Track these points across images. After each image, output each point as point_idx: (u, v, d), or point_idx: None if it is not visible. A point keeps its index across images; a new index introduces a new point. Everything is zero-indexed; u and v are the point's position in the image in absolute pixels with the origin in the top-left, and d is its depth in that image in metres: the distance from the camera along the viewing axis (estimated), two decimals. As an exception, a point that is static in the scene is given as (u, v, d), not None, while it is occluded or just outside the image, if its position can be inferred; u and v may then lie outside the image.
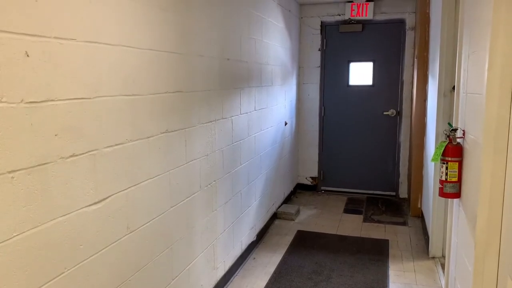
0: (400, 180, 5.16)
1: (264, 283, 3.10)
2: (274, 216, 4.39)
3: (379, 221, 4.38)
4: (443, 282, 2.96)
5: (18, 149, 1.30)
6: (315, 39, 5.25)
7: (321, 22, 5.21)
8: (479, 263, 1.75)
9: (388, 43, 5.03)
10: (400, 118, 5.08)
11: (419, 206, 4.35)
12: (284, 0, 4.43)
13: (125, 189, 1.83)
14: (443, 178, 2.17)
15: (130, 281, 1.89)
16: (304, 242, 3.83)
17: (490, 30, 1.64)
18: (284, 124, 4.64)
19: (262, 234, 3.94)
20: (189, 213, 2.45)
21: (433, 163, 3.35)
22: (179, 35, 2.24)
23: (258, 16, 3.55)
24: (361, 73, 5.19)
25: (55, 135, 1.44)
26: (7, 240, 1.28)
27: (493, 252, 1.71)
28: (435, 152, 2.19)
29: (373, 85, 5.14)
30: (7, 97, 1.26)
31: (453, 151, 2.14)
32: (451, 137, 2.17)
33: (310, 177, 5.50)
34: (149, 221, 2.04)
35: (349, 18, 5.05)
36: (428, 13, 3.96)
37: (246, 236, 3.50)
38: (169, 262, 2.25)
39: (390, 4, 4.94)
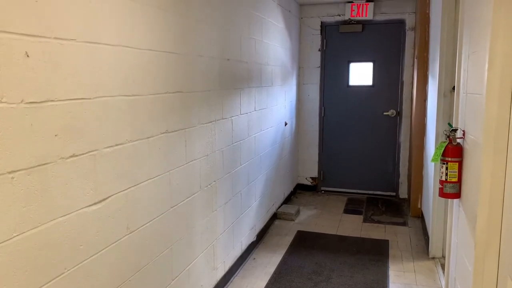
0: (400, 180, 5.16)
1: (264, 283, 3.09)
2: (274, 217, 4.39)
3: (379, 222, 4.37)
4: (443, 283, 2.96)
5: (18, 149, 1.30)
6: (315, 40, 5.25)
7: (321, 22, 5.21)
8: (479, 263, 1.75)
9: (388, 44, 5.03)
10: (400, 119, 5.08)
11: (419, 206, 4.35)
12: (284, 0, 4.43)
13: (125, 190, 1.83)
14: (443, 179, 2.17)
15: (130, 281, 1.89)
16: (304, 242, 3.83)
17: (490, 30, 1.64)
18: (284, 124, 4.64)
19: (262, 235, 3.94)
20: (189, 214, 2.45)
21: (433, 163, 3.35)
22: (179, 35, 2.24)
23: (258, 16, 3.55)
24: (361, 74, 5.19)
25: (55, 135, 1.44)
26: (7, 240, 1.28)
27: (493, 252, 1.71)
28: (435, 153, 2.19)
29: (373, 86, 5.14)
30: (7, 98, 1.26)
31: (453, 151, 2.14)
32: (451, 137, 2.17)
33: (310, 178, 5.50)
34: (149, 222, 2.04)
35: (349, 19, 5.05)
36: (428, 14, 3.96)
37: (246, 237, 3.50)
38: (169, 263, 2.25)
39: (390, 4, 4.94)
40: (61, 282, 1.49)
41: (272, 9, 3.98)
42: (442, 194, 2.20)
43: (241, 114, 3.23)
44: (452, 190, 2.16)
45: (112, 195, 1.75)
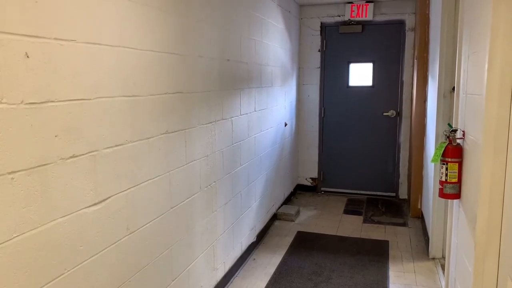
0: (400, 181, 5.16)
1: (264, 284, 3.09)
2: (274, 217, 4.39)
3: (379, 222, 4.37)
4: (443, 283, 2.96)
5: (18, 150, 1.30)
6: (315, 40, 5.25)
7: (321, 23, 5.21)
8: (479, 263, 1.75)
9: (388, 44, 5.03)
10: (400, 119, 5.08)
11: (419, 207, 4.35)
12: (284, 1, 4.44)
13: (125, 190, 1.83)
14: (443, 179, 2.17)
15: (130, 282, 1.89)
16: (304, 243, 3.83)
17: (490, 31, 1.64)
18: (284, 125, 4.65)
19: (262, 235, 3.94)
20: (189, 214, 2.45)
21: (433, 164, 3.35)
22: (179, 36, 2.24)
23: (258, 17, 3.55)
24: (361, 74, 5.19)
25: (55, 136, 1.44)
26: (7, 241, 1.28)
27: (493, 252, 1.71)
28: (435, 153, 2.19)
29: (373, 86, 5.14)
30: (7, 98, 1.26)
31: (453, 152, 2.14)
32: (451, 138, 2.17)
33: (310, 178, 5.50)
34: (149, 222, 2.04)
35: (349, 19, 5.05)
36: (428, 14, 3.97)
37: (246, 237, 3.50)
38: (169, 263, 2.25)
39: (390, 5, 4.94)
40: (61, 283, 1.49)
41: (272, 10, 3.98)
42: (442, 194, 2.20)
43: (241, 115, 3.23)
44: (452, 190, 2.16)
45: (112, 195, 1.75)
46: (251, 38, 3.39)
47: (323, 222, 4.39)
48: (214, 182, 2.79)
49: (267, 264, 3.42)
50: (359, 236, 3.99)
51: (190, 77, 2.38)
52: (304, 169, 5.50)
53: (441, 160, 2.17)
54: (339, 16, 5.12)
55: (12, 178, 1.28)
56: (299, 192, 5.47)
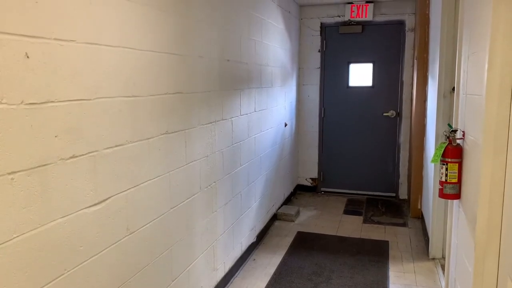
0: (400, 181, 5.16)
1: (264, 284, 3.09)
2: (274, 217, 4.39)
3: (379, 222, 4.37)
4: (443, 283, 2.96)
5: (18, 150, 1.30)
6: (315, 40, 5.25)
7: (321, 23, 5.21)
8: (479, 264, 1.75)
9: (388, 44, 5.03)
10: (400, 119, 5.08)
11: (419, 207, 4.35)
12: (284, 1, 4.44)
13: (125, 191, 1.83)
14: (443, 179, 2.17)
15: (130, 282, 1.89)
16: (304, 243, 3.83)
17: (490, 31, 1.64)
18: (284, 125, 4.65)
19: (262, 235, 3.94)
20: (189, 214, 2.45)
21: (433, 164, 3.35)
22: (179, 36, 2.24)
23: (258, 17, 3.55)
24: (361, 74, 5.19)
25: (55, 136, 1.44)
26: (7, 241, 1.28)
27: (493, 253, 1.71)
28: (435, 153, 2.19)
29: (373, 86, 5.14)
30: (7, 99, 1.26)
31: (453, 152, 2.14)
32: (451, 138, 2.17)
33: (310, 178, 5.50)
34: (149, 223, 2.04)
35: (349, 20, 5.06)
36: (428, 14, 3.97)
37: (246, 237, 3.50)
38: (169, 264, 2.25)
39: (389, 5, 4.94)
40: (61, 283, 1.49)
41: (272, 10, 3.98)
42: (442, 195, 2.20)
43: (241, 115, 3.23)
44: (452, 191, 2.16)
45: (112, 196, 1.75)
46: (251, 38, 3.39)
47: (323, 222, 4.39)
48: (214, 182, 2.79)
49: (267, 265, 3.41)
50: (359, 237, 3.99)
51: (190, 77, 2.39)
52: (304, 169, 5.50)
53: (441, 161, 2.17)
54: (339, 16, 5.12)
55: (12, 179, 1.28)
56: (299, 193, 5.47)
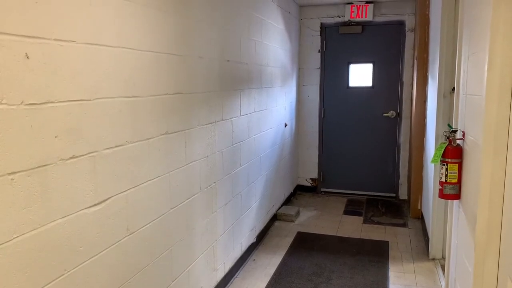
0: (400, 181, 5.16)
1: (264, 284, 3.09)
2: (274, 218, 4.39)
3: (379, 223, 4.37)
4: (443, 284, 2.96)
5: (18, 151, 1.30)
6: (315, 41, 5.25)
7: (321, 23, 5.21)
8: (479, 264, 1.75)
9: (387, 45, 5.03)
10: (400, 120, 5.08)
11: (419, 207, 4.34)
12: (284, 1, 4.44)
13: (125, 191, 1.83)
14: (443, 180, 2.17)
15: (130, 282, 1.89)
16: (304, 243, 3.83)
17: (490, 31, 1.64)
18: (284, 125, 4.65)
19: (262, 236, 3.94)
20: (189, 215, 2.45)
21: (433, 164, 3.35)
22: (179, 36, 2.24)
23: (258, 18, 3.55)
24: (361, 75, 5.19)
25: (55, 136, 1.44)
26: (7, 242, 1.28)
27: (493, 253, 1.71)
28: (435, 154, 2.19)
29: (373, 87, 5.14)
30: (7, 99, 1.26)
31: (453, 152, 2.14)
32: (451, 138, 2.17)
33: (310, 179, 5.50)
34: (149, 223, 2.04)
35: (349, 20, 5.06)
36: (428, 15, 3.97)
37: (246, 238, 3.50)
38: (169, 264, 2.25)
39: (389, 5, 4.94)
40: (61, 284, 1.49)
41: (272, 10, 3.98)
42: (442, 195, 2.20)
43: (241, 115, 3.23)
44: (452, 191, 2.16)
45: (112, 196, 1.75)
46: (251, 38, 3.39)
47: (323, 222, 4.39)
48: (214, 182, 2.79)
49: (267, 265, 3.41)
50: (359, 237, 3.98)
51: (190, 78, 2.39)
52: (304, 169, 5.50)
53: (441, 161, 2.17)
54: (339, 16, 5.12)
55: (12, 179, 1.28)
56: (299, 193, 5.47)
